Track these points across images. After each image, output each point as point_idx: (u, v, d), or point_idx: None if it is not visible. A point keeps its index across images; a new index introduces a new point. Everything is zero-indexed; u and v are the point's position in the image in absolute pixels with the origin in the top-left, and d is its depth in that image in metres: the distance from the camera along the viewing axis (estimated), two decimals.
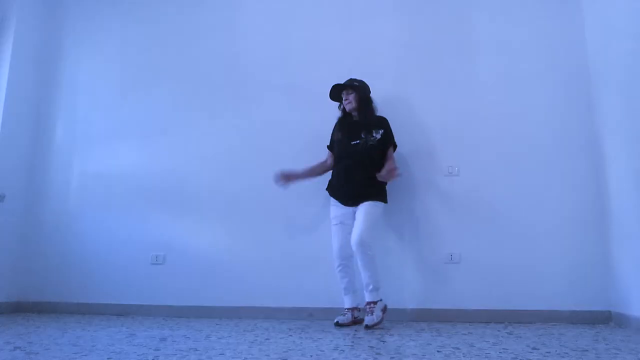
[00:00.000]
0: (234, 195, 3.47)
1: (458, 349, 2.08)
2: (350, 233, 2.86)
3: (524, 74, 3.34)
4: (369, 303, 2.79)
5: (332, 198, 3.03)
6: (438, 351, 2.03)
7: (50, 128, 3.84)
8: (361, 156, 2.92)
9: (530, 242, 3.12)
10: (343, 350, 2.06)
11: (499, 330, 2.66)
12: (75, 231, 3.61)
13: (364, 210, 2.83)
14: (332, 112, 3.21)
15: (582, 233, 3.09)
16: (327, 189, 3.09)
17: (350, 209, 2.93)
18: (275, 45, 3.66)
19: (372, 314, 2.73)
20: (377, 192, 2.91)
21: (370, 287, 2.78)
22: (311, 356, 1.93)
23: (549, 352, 2.00)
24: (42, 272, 3.58)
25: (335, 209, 2.98)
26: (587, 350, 2.04)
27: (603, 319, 2.96)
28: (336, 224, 2.94)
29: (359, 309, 2.95)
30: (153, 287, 3.42)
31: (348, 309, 2.93)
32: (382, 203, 2.93)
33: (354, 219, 2.87)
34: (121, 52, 3.87)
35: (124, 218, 3.57)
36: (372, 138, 2.96)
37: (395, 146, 3.07)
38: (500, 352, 2.00)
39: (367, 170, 2.90)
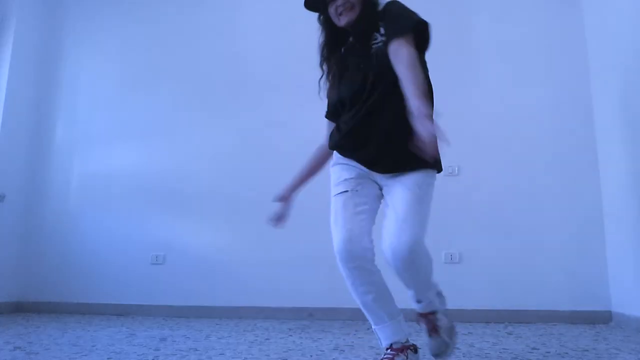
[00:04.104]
0: (234, 195, 3.47)
1: (458, 349, 2.08)
2: (367, 213, 1.60)
3: (523, 74, 3.33)
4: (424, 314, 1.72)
5: (338, 155, 1.74)
6: None
7: (50, 128, 3.84)
8: (381, 83, 1.64)
9: (530, 242, 3.12)
10: (343, 350, 2.06)
11: (499, 330, 2.66)
12: (75, 231, 3.61)
13: (412, 190, 1.60)
14: None
15: (581, 233, 3.08)
16: (332, 147, 1.78)
17: (374, 173, 1.65)
18: (275, 45, 3.66)
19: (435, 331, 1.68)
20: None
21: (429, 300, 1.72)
22: (311, 356, 1.93)
23: (549, 352, 2.00)
24: (42, 272, 3.58)
25: (344, 169, 1.68)
26: (587, 350, 2.04)
27: (603, 319, 2.96)
28: (342, 192, 1.63)
29: (414, 348, 1.62)
30: (153, 287, 3.42)
31: (390, 348, 1.57)
32: (436, 173, 1.70)
33: (376, 188, 1.67)
34: (121, 52, 3.87)
35: (124, 218, 3.57)
36: (377, 46, 1.69)
37: (420, 33, 1.70)
38: (500, 352, 2.00)
39: (399, 107, 1.53)
